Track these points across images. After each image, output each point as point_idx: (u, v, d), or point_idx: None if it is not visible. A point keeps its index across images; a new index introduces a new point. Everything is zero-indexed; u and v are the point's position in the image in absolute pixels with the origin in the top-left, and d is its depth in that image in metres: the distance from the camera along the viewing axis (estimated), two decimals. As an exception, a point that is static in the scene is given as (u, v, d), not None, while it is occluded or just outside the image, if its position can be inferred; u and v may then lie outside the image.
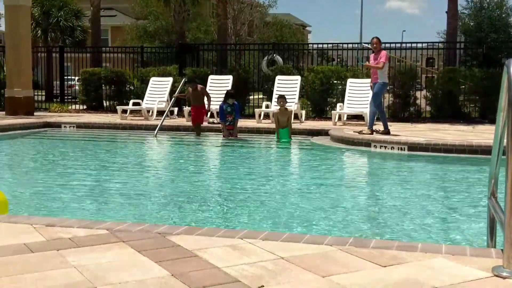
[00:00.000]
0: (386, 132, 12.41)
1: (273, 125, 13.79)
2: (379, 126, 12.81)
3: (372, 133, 12.27)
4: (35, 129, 15.04)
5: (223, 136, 13.53)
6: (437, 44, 21.00)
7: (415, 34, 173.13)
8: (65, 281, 3.25)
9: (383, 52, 12.62)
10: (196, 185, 8.10)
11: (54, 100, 24.17)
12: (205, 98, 14.64)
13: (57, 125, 15.66)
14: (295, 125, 14.07)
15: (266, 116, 16.24)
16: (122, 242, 3.97)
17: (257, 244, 3.93)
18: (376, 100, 12.60)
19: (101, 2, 26.54)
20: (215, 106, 15.61)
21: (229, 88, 16.89)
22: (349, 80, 16.53)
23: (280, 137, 12.99)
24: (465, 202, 7.04)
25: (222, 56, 21.68)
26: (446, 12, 21.78)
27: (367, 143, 11.55)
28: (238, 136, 13.62)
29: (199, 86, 14.62)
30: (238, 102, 14.29)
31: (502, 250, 3.52)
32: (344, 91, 16.50)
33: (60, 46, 25.90)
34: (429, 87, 17.95)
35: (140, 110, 17.31)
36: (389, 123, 12.76)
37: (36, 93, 20.76)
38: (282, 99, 13.41)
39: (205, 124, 14.66)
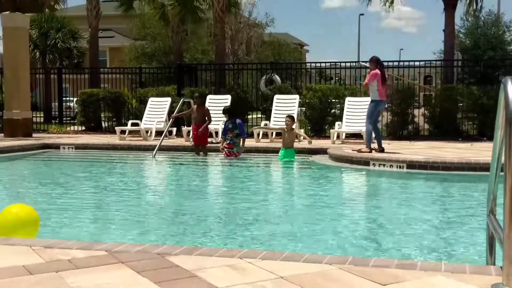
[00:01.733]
0: (381, 150, 12.46)
1: (272, 144, 13.84)
2: (377, 145, 12.84)
3: (370, 151, 12.27)
4: (33, 151, 15.04)
5: (225, 156, 13.45)
6: (434, 62, 21.07)
7: (412, 52, 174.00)
8: (64, 303, 3.24)
9: (371, 72, 12.69)
10: (196, 205, 8.08)
11: (53, 121, 24.21)
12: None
13: (56, 147, 15.66)
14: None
15: (265, 135, 16.27)
16: (121, 263, 3.96)
17: (256, 264, 3.92)
18: (369, 118, 12.72)
19: (99, 23, 26.64)
20: (214, 126, 15.61)
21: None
22: (348, 99, 16.58)
23: (282, 156, 12.98)
24: (464, 220, 7.03)
25: (220, 76, 21.71)
26: (443, 30, 21.90)
27: (366, 162, 11.56)
28: (240, 155, 13.46)
29: (204, 107, 14.55)
30: (242, 120, 14.16)
31: (501, 267, 3.51)
32: (343, 109, 16.55)
33: (58, 67, 26.02)
34: (427, 105, 17.99)
35: (139, 131, 17.34)
36: (387, 141, 12.80)
37: (35, 115, 20.79)
38: (289, 119, 13.40)
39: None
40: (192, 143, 14.43)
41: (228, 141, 13.48)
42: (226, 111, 13.99)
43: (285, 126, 13.42)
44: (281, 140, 13.57)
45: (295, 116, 16.19)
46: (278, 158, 13.05)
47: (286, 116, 13.75)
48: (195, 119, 14.23)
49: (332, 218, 7.20)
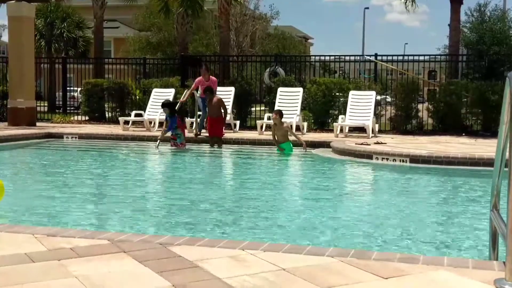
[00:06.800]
0: (198, 134, 14.95)
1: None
2: (380, 139, 12.83)
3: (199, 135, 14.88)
4: (37, 140, 15.05)
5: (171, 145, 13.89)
6: (439, 56, 20.99)
7: (416, 46, 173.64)
8: (66, 291, 3.25)
9: (214, 79, 15.85)
10: (196, 195, 8.07)
11: (57, 111, 24.22)
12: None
13: (59, 136, 15.67)
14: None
15: (268, 127, 16.25)
16: (124, 253, 3.96)
17: (258, 255, 3.93)
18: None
19: (104, 14, 26.60)
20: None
21: (231, 100, 16.91)
22: (351, 92, 16.53)
23: (279, 151, 12.95)
24: (467, 214, 7.02)
25: (224, 68, 21.70)
26: (449, 25, 21.81)
27: (369, 155, 11.54)
28: (185, 146, 13.87)
29: (216, 97, 14.51)
30: (176, 114, 14.21)
31: (504, 262, 3.51)
32: (346, 103, 16.51)
33: (63, 57, 25.99)
34: (431, 100, 17.92)
35: (142, 121, 17.34)
36: (391, 135, 12.78)
37: (39, 104, 20.79)
38: (274, 113, 13.31)
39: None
40: (207, 134, 14.41)
41: (172, 133, 13.88)
42: (165, 105, 14.14)
43: (272, 122, 13.33)
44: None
45: (298, 109, 16.21)
46: (278, 151, 12.99)
47: (273, 112, 13.64)
48: (209, 111, 14.26)
49: (331, 210, 7.19)
